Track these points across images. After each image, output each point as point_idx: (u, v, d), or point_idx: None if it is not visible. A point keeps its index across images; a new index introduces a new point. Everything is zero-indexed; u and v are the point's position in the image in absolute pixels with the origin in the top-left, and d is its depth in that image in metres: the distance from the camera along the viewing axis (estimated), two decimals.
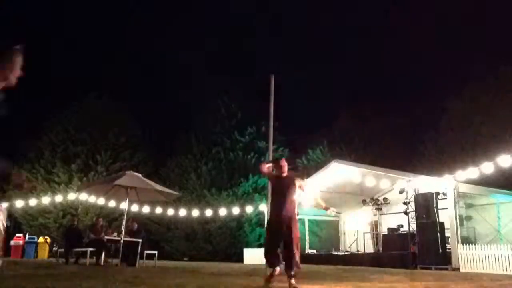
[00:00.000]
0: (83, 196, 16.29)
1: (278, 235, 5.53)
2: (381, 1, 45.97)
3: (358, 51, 44.86)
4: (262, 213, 18.23)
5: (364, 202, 16.64)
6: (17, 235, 17.76)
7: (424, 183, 12.27)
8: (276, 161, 6.01)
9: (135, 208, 15.97)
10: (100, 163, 21.24)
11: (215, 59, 42.98)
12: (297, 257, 5.41)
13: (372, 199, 16.35)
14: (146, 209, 17.07)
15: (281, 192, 5.67)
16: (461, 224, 12.16)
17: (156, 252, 11.64)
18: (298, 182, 5.75)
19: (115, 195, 12.43)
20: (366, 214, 17.06)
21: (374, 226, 16.67)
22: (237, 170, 21.08)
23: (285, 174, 5.78)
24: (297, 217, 5.72)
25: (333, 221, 19.39)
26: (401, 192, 13.26)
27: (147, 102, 33.68)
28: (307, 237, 18.34)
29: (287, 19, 51.94)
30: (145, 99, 33.56)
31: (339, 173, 14.62)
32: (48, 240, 17.69)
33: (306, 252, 17.28)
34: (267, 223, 6.09)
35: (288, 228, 5.45)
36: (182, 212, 17.29)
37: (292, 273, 5.32)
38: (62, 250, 12.59)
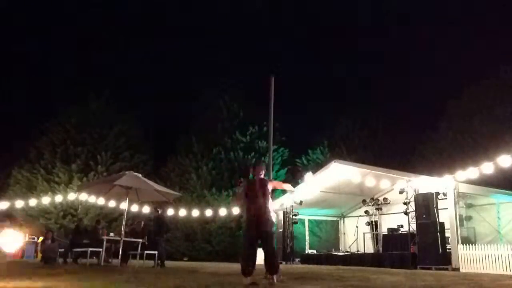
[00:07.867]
0: (83, 196, 16.28)
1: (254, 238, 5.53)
2: (381, 2, 45.96)
3: (358, 51, 44.88)
4: None
5: (364, 202, 16.64)
6: None
7: (424, 183, 12.26)
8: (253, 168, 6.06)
9: (135, 208, 15.94)
10: (100, 163, 21.23)
11: (216, 58, 42.98)
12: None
13: (372, 199, 16.35)
14: (146, 209, 17.04)
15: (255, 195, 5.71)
16: (461, 224, 12.14)
17: (156, 252, 11.63)
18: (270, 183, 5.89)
19: (115, 195, 12.42)
20: (366, 214, 17.03)
21: (374, 226, 16.66)
22: (237, 170, 21.05)
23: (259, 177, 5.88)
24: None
25: (333, 221, 19.41)
26: (401, 192, 13.26)
27: (147, 102, 33.72)
28: (307, 237, 18.35)
29: (288, 19, 51.94)
30: (146, 99, 33.58)
31: (339, 173, 14.60)
32: None
33: (306, 252, 17.29)
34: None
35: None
36: (182, 212, 17.27)
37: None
38: (62, 250, 12.60)
